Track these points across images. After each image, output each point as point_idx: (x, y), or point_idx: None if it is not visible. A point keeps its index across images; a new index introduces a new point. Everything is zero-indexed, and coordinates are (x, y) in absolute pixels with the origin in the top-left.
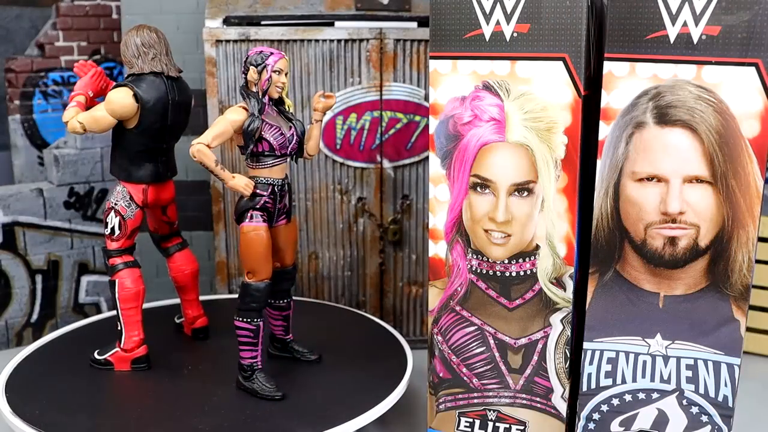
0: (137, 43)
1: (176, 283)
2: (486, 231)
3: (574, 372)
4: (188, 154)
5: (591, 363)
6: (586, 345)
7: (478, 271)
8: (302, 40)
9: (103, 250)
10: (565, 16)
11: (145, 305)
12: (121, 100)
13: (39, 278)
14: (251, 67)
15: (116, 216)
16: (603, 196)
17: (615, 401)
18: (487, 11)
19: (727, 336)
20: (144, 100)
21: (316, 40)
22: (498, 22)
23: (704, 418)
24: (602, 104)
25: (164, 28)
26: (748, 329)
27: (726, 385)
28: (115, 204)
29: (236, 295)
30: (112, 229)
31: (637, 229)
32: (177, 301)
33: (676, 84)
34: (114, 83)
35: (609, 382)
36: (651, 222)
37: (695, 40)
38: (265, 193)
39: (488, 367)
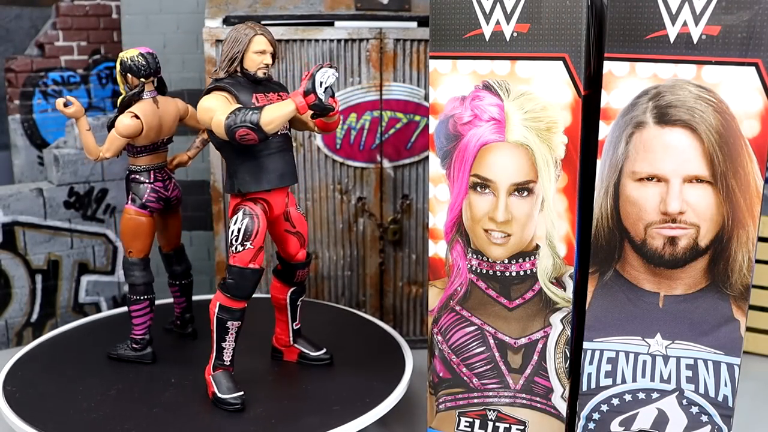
0: None
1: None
2: (486, 231)
3: (574, 372)
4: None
5: (591, 363)
6: (586, 345)
7: (478, 270)
8: (302, 40)
9: None
10: (565, 16)
11: None
12: None
13: (39, 278)
14: None
15: None
16: (603, 196)
17: (615, 401)
18: (487, 11)
19: (727, 336)
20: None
21: (316, 40)
22: (498, 22)
23: (704, 418)
24: (602, 104)
25: (164, 28)
26: (748, 329)
27: (726, 385)
28: None
29: None
30: None
31: (637, 228)
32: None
33: (676, 84)
34: None
35: (609, 381)
36: (651, 222)
37: (695, 39)
38: None
39: (488, 366)
